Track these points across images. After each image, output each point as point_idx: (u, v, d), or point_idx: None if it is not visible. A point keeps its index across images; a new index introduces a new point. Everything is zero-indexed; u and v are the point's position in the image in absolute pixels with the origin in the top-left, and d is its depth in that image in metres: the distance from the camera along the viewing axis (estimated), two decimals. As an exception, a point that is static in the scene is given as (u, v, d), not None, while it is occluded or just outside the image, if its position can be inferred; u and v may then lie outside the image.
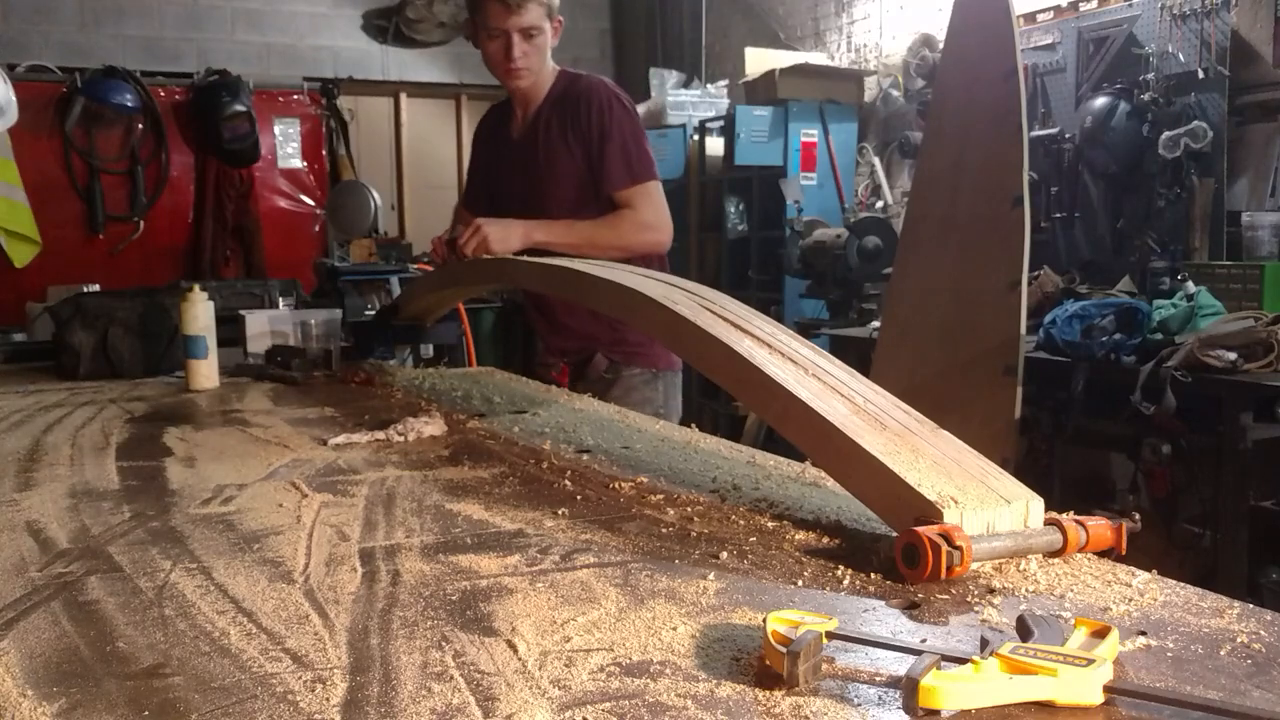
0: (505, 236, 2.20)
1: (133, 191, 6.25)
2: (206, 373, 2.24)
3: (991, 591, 0.91)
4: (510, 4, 2.22)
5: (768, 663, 0.74)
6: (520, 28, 2.25)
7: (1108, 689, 0.68)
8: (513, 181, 2.46)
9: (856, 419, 1.12)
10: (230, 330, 2.52)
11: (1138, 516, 1.04)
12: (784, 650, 0.71)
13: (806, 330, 4.62)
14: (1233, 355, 3.11)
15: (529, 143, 2.42)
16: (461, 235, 2.21)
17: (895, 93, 5.52)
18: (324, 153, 6.73)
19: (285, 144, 6.60)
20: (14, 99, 3.71)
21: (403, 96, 7.02)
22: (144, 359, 2.50)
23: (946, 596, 0.90)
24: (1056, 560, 0.99)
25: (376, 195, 6.32)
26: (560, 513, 1.18)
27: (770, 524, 1.12)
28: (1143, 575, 0.95)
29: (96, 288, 3.73)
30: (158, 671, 0.76)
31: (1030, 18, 4.65)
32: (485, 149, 2.59)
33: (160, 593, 0.93)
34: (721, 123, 5.81)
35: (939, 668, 0.68)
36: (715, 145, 5.96)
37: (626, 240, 2.30)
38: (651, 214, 2.35)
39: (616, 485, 1.31)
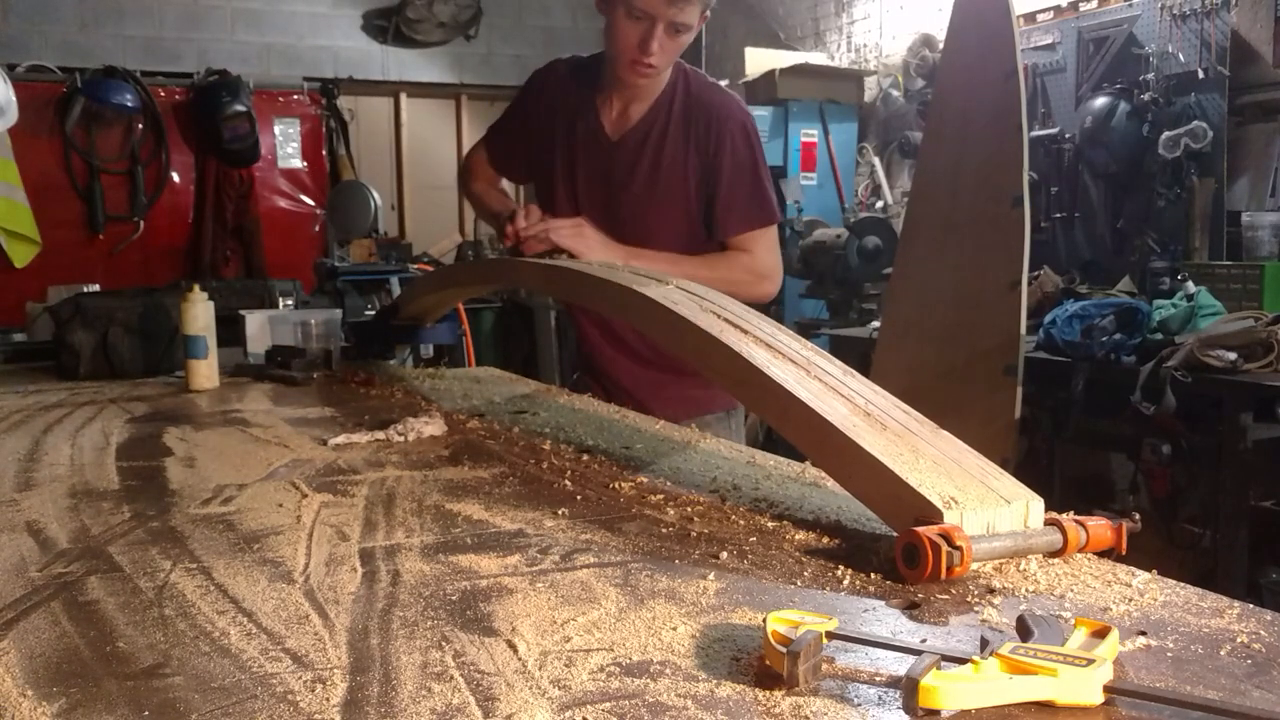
0: (604, 256, 1.87)
1: (133, 191, 6.26)
2: (206, 373, 2.24)
3: (991, 591, 0.91)
4: None
5: (768, 663, 0.74)
6: (672, 20, 1.87)
7: (1108, 689, 0.68)
8: (594, 185, 2.09)
9: (856, 419, 1.12)
10: (230, 330, 2.52)
11: (1138, 516, 1.04)
12: (784, 650, 0.71)
13: (806, 330, 4.62)
14: (1233, 355, 3.12)
15: (634, 148, 2.06)
16: (553, 224, 1.90)
17: (895, 93, 5.52)
18: (324, 153, 6.74)
19: (285, 144, 6.61)
20: (14, 99, 3.71)
21: (403, 96, 7.03)
22: (144, 359, 2.50)
23: (946, 596, 0.90)
24: (1056, 560, 0.99)
25: (376, 195, 6.33)
26: (560, 513, 1.18)
27: (770, 524, 1.12)
28: (1143, 575, 0.95)
29: (96, 288, 3.73)
30: (158, 671, 0.76)
31: (1030, 18, 4.66)
32: (548, 119, 2.15)
33: (160, 593, 0.93)
34: (722, 122, 5.80)
35: (939, 668, 0.68)
36: (715, 145, 5.95)
37: (739, 289, 1.89)
38: (769, 260, 2.06)
39: (616, 485, 1.31)
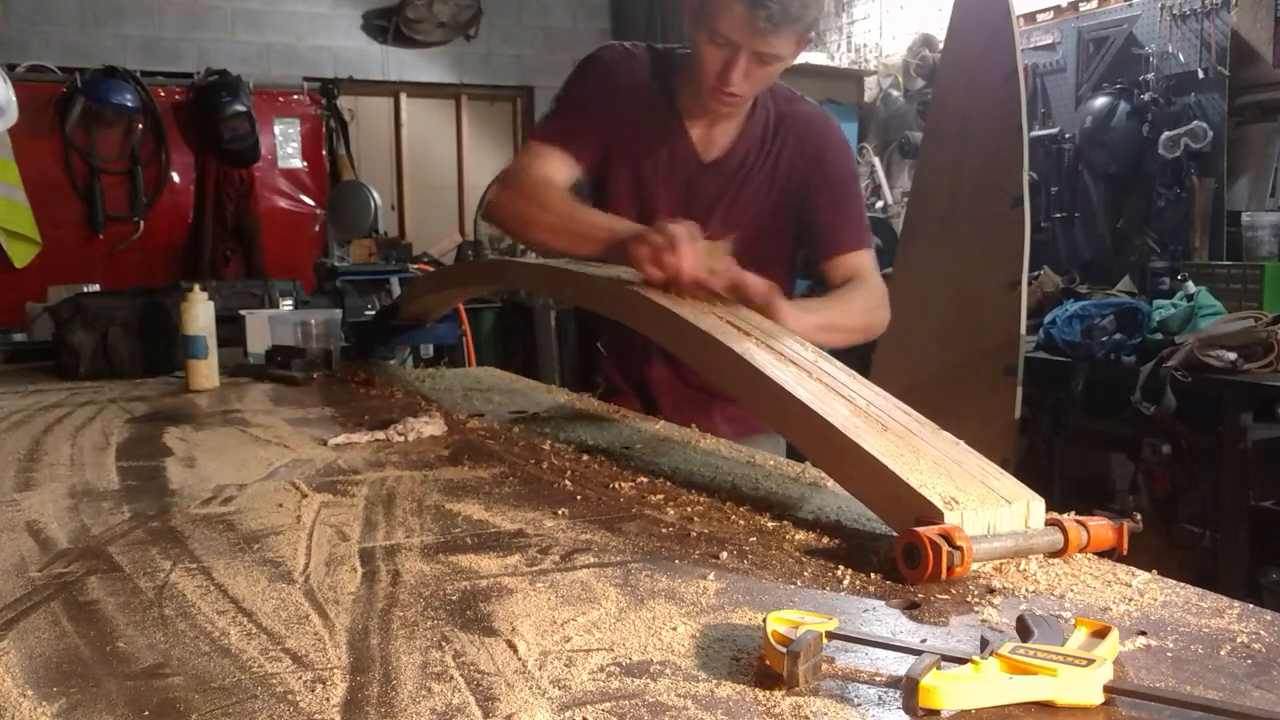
0: (798, 325, 1.50)
1: (133, 191, 6.26)
2: (206, 373, 2.24)
3: (991, 591, 0.91)
4: (760, 23, 1.61)
5: (768, 663, 0.74)
6: (757, 50, 1.66)
7: (1108, 689, 0.68)
8: (676, 207, 1.81)
9: (857, 420, 1.12)
10: (230, 330, 2.52)
11: (1139, 516, 1.04)
12: (784, 650, 0.71)
13: (806, 330, 4.60)
14: (1233, 355, 3.12)
15: (728, 172, 1.87)
16: (741, 271, 1.50)
17: (895, 93, 5.52)
18: (324, 153, 6.73)
19: (285, 144, 6.61)
20: (14, 99, 3.71)
21: (403, 96, 7.03)
22: (144, 359, 2.50)
23: (946, 596, 0.90)
24: (1057, 560, 0.99)
25: (376, 195, 6.33)
26: (560, 513, 1.18)
27: (770, 524, 1.12)
28: (1143, 575, 0.95)
29: (96, 288, 3.73)
30: (158, 671, 0.76)
31: (1030, 18, 4.66)
32: (627, 120, 1.85)
33: (160, 593, 0.93)
34: (722, 123, 5.81)
35: (939, 668, 0.68)
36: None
37: (872, 323, 1.82)
38: (882, 286, 1.87)
39: (616, 485, 1.31)
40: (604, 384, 2.05)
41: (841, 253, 1.87)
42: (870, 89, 5.70)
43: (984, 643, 0.72)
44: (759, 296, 1.49)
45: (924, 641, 0.79)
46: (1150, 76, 4.14)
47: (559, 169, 1.82)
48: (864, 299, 1.82)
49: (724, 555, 1.02)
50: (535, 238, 1.79)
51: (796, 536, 1.08)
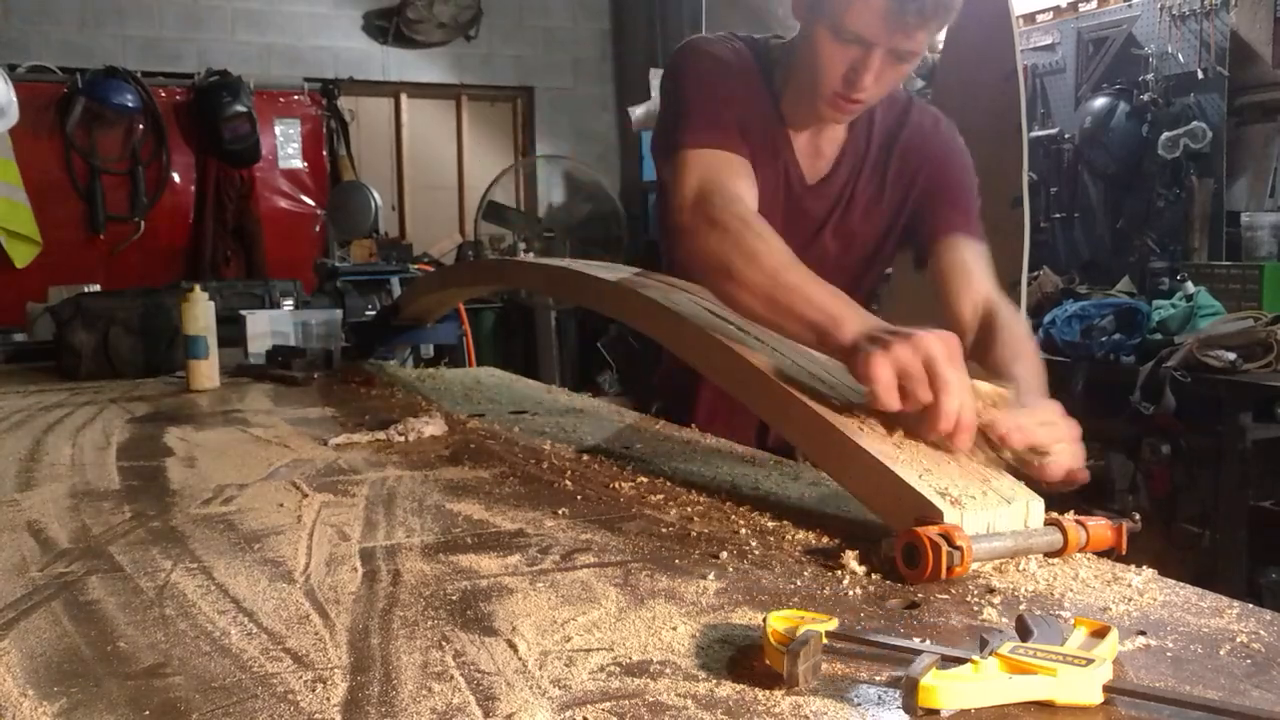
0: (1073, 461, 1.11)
1: (133, 192, 6.26)
2: (207, 373, 2.24)
3: (991, 591, 0.91)
4: (909, 17, 1.34)
5: (768, 663, 0.74)
6: (895, 48, 1.38)
7: (1107, 689, 0.68)
8: (778, 228, 1.43)
9: (857, 419, 1.12)
10: (231, 330, 2.52)
11: (1138, 516, 1.04)
12: (784, 650, 0.71)
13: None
14: (1232, 355, 3.12)
15: (834, 191, 1.61)
16: (1043, 442, 1.08)
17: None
18: (324, 153, 6.73)
19: (286, 144, 6.61)
20: (15, 99, 3.71)
21: (403, 97, 7.03)
22: (144, 359, 2.51)
23: (946, 596, 0.90)
24: (1056, 560, 0.99)
25: (377, 196, 6.33)
26: (560, 513, 1.18)
27: (770, 524, 1.12)
28: (1142, 575, 0.95)
29: (97, 288, 3.73)
30: (158, 671, 0.76)
31: (1030, 18, 4.66)
32: (742, 105, 1.53)
33: (161, 592, 0.93)
34: (722, 123, 5.80)
35: (939, 668, 0.68)
36: (715, 145, 5.95)
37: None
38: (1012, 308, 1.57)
39: (616, 485, 1.31)
40: (660, 405, 1.85)
41: (955, 232, 1.60)
42: (870, 89, 5.70)
43: (984, 643, 0.72)
44: (1065, 429, 1.12)
45: (924, 641, 0.79)
46: (1150, 77, 4.14)
47: (748, 185, 1.43)
48: (1020, 325, 1.51)
49: (724, 555, 1.02)
50: (731, 295, 1.31)
51: (796, 536, 1.08)
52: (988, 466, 1.06)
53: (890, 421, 1.09)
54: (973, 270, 1.55)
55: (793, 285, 1.24)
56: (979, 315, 1.49)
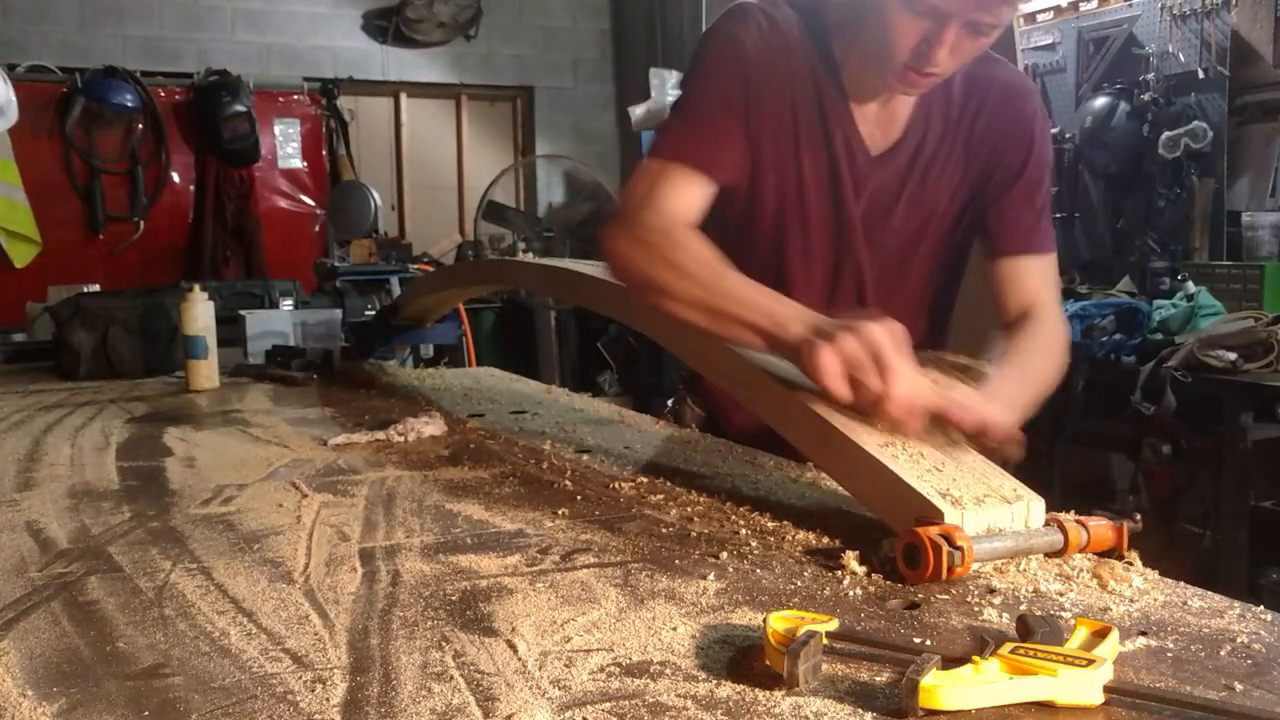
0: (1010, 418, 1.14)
1: (133, 191, 6.25)
2: (206, 373, 2.24)
3: (992, 592, 0.91)
4: None
5: (768, 663, 0.74)
6: (975, 22, 1.26)
7: (1108, 689, 0.68)
8: (825, 216, 1.48)
9: (857, 420, 1.11)
10: (230, 330, 2.52)
11: (1139, 516, 1.04)
12: (784, 650, 0.71)
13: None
14: (1233, 355, 3.12)
15: (904, 163, 1.47)
16: (993, 421, 1.10)
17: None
18: (324, 153, 6.73)
19: (285, 144, 6.60)
20: (14, 99, 3.71)
21: (403, 96, 7.02)
22: (144, 359, 2.51)
23: (946, 596, 0.90)
24: (1057, 560, 0.99)
25: (376, 195, 6.33)
26: (560, 513, 1.18)
27: (770, 524, 1.12)
28: (1144, 575, 0.95)
29: (96, 288, 3.73)
30: (158, 671, 0.76)
31: (1030, 18, 4.66)
32: (773, 108, 1.43)
33: (160, 593, 0.93)
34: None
35: (939, 668, 0.68)
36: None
37: (1061, 364, 1.46)
38: (1061, 321, 1.50)
39: (616, 485, 1.31)
40: (674, 402, 1.81)
41: (1023, 250, 1.50)
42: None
43: (984, 643, 0.72)
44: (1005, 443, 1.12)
45: (924, 641, 0.79)
46: (1150, 76, 4.14)
47: (693, 200, 1.38)
48: (1053, 335, 1.46)
49: (724, 555, 1.02)
50: (667, 310, 1.29)
51: (796, 536, 1.08)
52: (946, 449, 1.09)
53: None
54: (1044, 296, 1.49)
55: (728, 292, 1.24)
56: (1021, 310, 1.48)
